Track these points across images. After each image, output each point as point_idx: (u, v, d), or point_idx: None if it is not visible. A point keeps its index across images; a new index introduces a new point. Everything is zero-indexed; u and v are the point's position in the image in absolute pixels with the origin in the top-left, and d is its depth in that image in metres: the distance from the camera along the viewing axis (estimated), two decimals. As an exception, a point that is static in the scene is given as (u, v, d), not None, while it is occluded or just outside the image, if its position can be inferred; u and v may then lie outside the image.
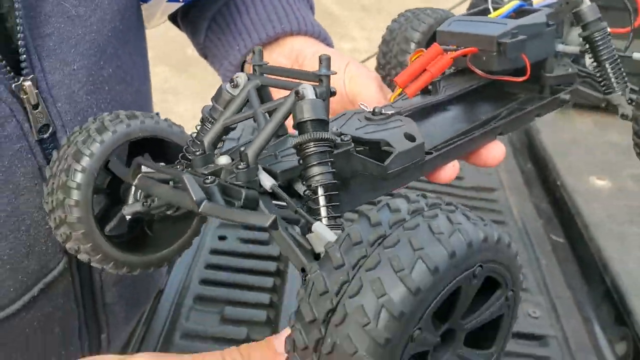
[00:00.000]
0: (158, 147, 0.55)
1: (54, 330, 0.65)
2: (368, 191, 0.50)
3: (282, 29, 0.70)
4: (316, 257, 0.39)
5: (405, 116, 0.54)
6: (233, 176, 0.43)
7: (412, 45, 0.66)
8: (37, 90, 0.55)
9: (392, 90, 0.63)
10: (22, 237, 0.58)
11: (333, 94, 0.46)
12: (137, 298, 0.81)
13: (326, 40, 0.73)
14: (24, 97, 0.55)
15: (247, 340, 1.18)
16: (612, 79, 0.62)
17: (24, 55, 0.54)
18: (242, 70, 0.74)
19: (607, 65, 0.62)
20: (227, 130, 0.48)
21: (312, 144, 0.41)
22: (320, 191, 0.41)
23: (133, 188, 0.53)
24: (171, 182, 0.47)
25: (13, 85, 0.54)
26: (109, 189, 0.55)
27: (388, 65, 0.68)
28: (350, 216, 0.50)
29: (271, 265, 1.35)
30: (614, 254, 1.56)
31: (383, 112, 0.53)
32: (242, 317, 1.22)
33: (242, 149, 0.43)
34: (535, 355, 1.23)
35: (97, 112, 0.62)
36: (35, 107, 0.56)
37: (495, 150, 0.57)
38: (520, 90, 0.63)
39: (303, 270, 0.39)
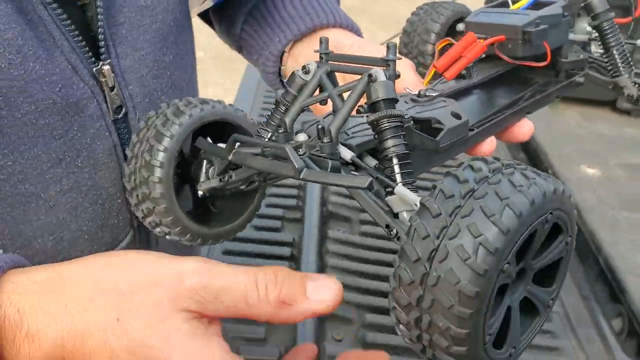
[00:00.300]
0: (219, 130, 0.60)
1: None
2: (423, 164, 0.55)
3: (319, 22, 0.75)
4: (395, 216, 0.46)
5: (447, 97, 0.59)
6: (317, 149, 0.49)
7: (432, 36, 0.72)
8: (113, 74, 0.61)
9: (423, 77, 0.68)
10: (98, 210, 0.64)
11: (398, 76, 0.51)
12: None
13: (358, 32, 0.78)
14: (103, 80, 0.60)
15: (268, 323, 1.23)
16: (619, 64, 0.68)
17: (102, 42, 0.60)
18: (280, 60, 0.79)
19: (614, 52, 0.67)
20: (302, 110, 0.53)
21: (386, 120, 0.46)
22: (395, 160, 0.46)
23: (204, 167, 0.58)
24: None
25: (94, 69, 0.59)
26: (179, 169, 0.59)
27: (410, 54, 0.74)
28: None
29: (285, 251, 1.40)
30: (606, 237, 1.65)
31: (427, 94, 0.58)
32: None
33: (319, 126, 0.49)
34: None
35: (160, 96, 0.67)
36: (112, 89, 0.61)
37: (525, 127, 0.64)
38: (537, 76, 0.69)
39: (387, 226, 0.45)
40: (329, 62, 0.54)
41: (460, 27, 0.70)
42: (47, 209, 0.59)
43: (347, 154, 0.48)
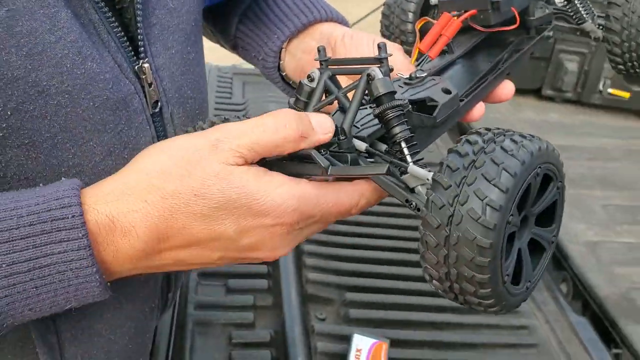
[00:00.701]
0: None
1: (149, 284, 0.73)
2: (425, 139, 0.61)
3: (313, 17, 0.80)
4: (411, 190, 0.52)
5: (435, 75, 0.65)
6: (334, 147, 0.53)
7: (410, 15, 0.76)
8: (151, 71, 0.65)
9: (410, 56, 0.73)
10: None
11: (391, 70, 0.57)
12: None
13: (345, 23, 0.83)
14: (143, 77, 0.63)
15: (254, 306, 1.30)
16: (582, 12, 0.72)
17: (141, 42, 0.63)
18: (279, 55, 0.86)
19: (576, 1, 0.72)
20: None
21: (389, 111, 0.52)
22: (404, 144, 0.52)
23: None
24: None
25: (136, 67, 0.63)
26: None
27: (392, 35, 0.79)
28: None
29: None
30: (546, 211, 1.80)
31: (417, 75, 0.62)
32: (245, 287, 1.33)
33: (340, 125, 0.54)
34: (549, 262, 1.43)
35: (187, 91, 0.72)
36: (150, 85, 0.64)
37: (507, 87, 0.70)
38: (512, 36, 0.73)
39: (407, 200, 0.51)
40: (329, 66, 0.59)
41: (433, 1, 0.75)
42: None
43: (361, 146, 0.54)
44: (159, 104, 0.66)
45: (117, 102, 0.60)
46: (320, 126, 0.54)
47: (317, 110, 0.57)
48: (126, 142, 0.62)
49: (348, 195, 0.55)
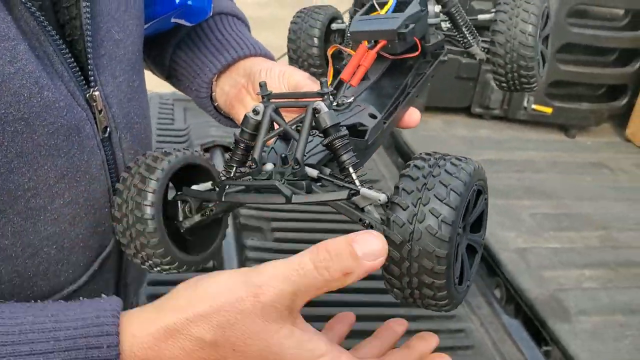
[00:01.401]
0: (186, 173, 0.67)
1: None
2: (360, 160, 0.64)
3: (243, 53, 0.85)
4: (362, 210, 0.55)
5: (357, 99, 0.68)
6: (288, 175, 0.56)
7: (315, 40, 0.82)
8: (101, 99, 0.68)
9: (317, 78, 0.78)
10: (91, 219, 0.69)
11: (332, 103, 0.63)
12: (140, 282, 0.91)
13: (271, 57, 0.89)
14: (94, 104, 0.66)
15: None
16: (469, 37, 0.78)
17: (91, 72, 0.66)
18: (211, 86, 0.88)
19: (463, 29, 0.78)
20: (264, 145, 0.61)
21: (337, 140, 0.56)
22: (352, 169, 0.56)
23: (180, 206, 0.65)
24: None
25: (87, 95, 0.66)
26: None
27: (300, 58, 0.84)
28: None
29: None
30: (478, 222, 1.90)
31: (344, 102, 0.67)
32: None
33: (282, 155, 0.57)
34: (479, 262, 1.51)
35: (134, 117, 0.75)
36: (100, 112, 0.68)
37: (414, 114, 0.75)
38: (413, 61, 0.78)
39: (360, 219, 0.55)
40: (271, 100, 0.61)
41: (335, 26, 0.82)
42: (52, 220, 0.65)
43: (313, 172, 0.58)
44: (108, 129, 0.70)
45: (70, 128, 0.64)
46: (367, 254, 0.51)
47: (266, 140, 0.59)
48: (78, 166, 0.66)
49: None
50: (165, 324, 0.51)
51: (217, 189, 0.60)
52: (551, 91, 2.66)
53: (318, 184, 0.58)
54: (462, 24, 0.76)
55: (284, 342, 0.50)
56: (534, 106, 2.64)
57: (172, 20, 0.86)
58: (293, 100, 0.63)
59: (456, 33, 0.78)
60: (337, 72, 0.74)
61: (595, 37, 2.60)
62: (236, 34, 0.89)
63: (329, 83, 0.72)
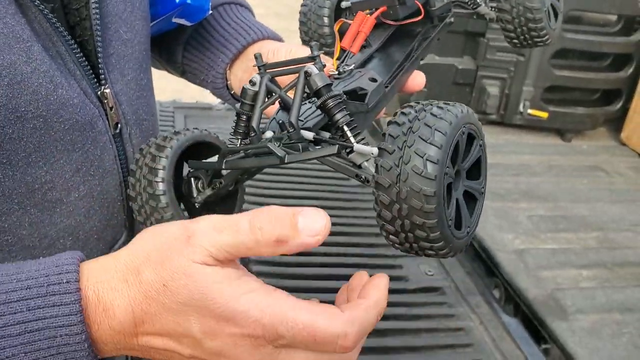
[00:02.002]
0: (194, 152, 0.68)
1: None
2: (362, 124, 0.66)
3: (251, 38, 0.87)
4: (358, 167, 0.56)
5: (359, 68, 0.69)
6: (285, 140, 0.58)
7: (325, 20, 0.83)
8: (112, 96, 0.70)
9: (329, 55, 0.79)
10: (105, 212, 0.72)
11: (324, 66, 0.63)
12: None
13: (278, 38, 0.91)
14: (105, 101, 0.69)
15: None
16: None
17: (102, 70, 0.69)
18: (225, 76, 0.90)
19: None
20: (261, 113, 0.62)
21: (330, 100, 0.57)
22: (346, 127, 0.57)
23: (193, 183, 0.67)
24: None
25: (99, 93, 0.69)
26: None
27: (312, 39, 0.85)
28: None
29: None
30: (476, 224, 1.93)
31: (345, 69, 0.67)
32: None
33: (279, 121, 0.58)
34: (437, 302, 1.54)
35: (142, 114, 0.78)
36: (111, 109, 0.70)
37: (419, 77, 0.77)
38: (419, 27, 0.78)
39: (357, 175, 0.56)
40: (267, 70, 0.62)
41: (344, 4, 0.81)
42: (68, 212, 0.67)
43: (309, 135, 0.58)
44: (119, 125, 0.72)
45: (84, 124, 0.66)
46: (307, 227, 0.50)
47: (264, 109, 0.61)
48: (92, 160, 0.68)
49: (328, 320, 0.49)
50: (118, 259, 0.53)
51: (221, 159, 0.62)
52: (547, 96, 2.69)
53: (317, 147, 0.58)
54: None
55: (210, 277, 0.49)
56: (530, 111, 2.67)
57: (174, 20, 0.89)
58: (287, 68, 0.63)
59: None
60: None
61: (589, 43, 2.63)
62: (242, 22, 0.90)
63: (335, 57, 0.73)
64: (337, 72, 0.68)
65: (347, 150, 0.58)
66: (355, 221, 1.79)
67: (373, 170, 0.54)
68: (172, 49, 0.97)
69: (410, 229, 0.54)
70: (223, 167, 0.62)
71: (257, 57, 0.62)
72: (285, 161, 0.57)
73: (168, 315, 0.50)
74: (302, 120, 0.62)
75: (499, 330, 1.50)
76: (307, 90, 0.60)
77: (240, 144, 0.63)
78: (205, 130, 0.69)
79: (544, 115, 2.68)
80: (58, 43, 0.64)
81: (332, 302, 1.48)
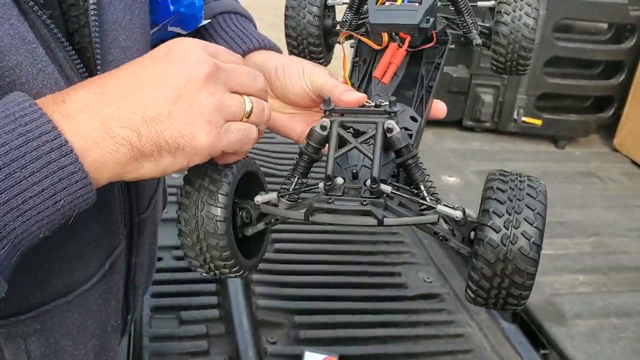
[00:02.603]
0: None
1: (112, 303, 0.77)
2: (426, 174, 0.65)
3: (247, 47, 0.85)
4: (434, 223, 0.59)
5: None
6: (364, 191, 0.59)
7: (315, 18, 0.82)
8: None
9: (320, 63, 0.80)
10: (103, 219, 0.71)
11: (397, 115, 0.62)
12: (147, 284, 0.93)
13: (278, 49, 0.89)
14: None
15: (207, 335, 1.36)
16: (469, 22, 0.80)
17: None
18: None
19: (465, 16, 0.80)
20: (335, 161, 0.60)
21: (411, 160, 0.59)
22: (423, 187, 0.60)
23: (239, 214, 0.66)
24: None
25: None
26: None
27: (299, 36, 0.85)
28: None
29: (210, 274, 1.53)
30: (473, 231, 1.94)
31: (382, 104, 0.65)
32: (198, 318, 1.40)
33: (354, 170, 0.60)
34: (436, 308, 1.55)
35: None
36: None
37: (440, 105, 0.77)
38: (424, 52, 0.78)
39: (435, 233, 0.60)
40: (333, 113, 0.62)
41: (331, 2, 0.82)
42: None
43: (387, 189, 0.59)
44: None
45: None
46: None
47: (337, 157, 0.61)
48: None
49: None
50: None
51: (282, 200, 0.64)
52: (540, 104, 2.72)
53: (390, 199, 0.60)
54: (464, 9, 0.79)
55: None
56: (523, 118, 2.69)
57: (169, 29, 0.89)
58: (361, 119, 0.63)
59: (455, 17, 0.80)
60: (352, 62, 0.76)
61: (580, 50, 2.66)
62: (240, 30, 0.89)
63: (345, 73, 0.74)
64: (373, 105, 0.68)
65: (422, 208, 0.60)
66: (355, 229, 1.80)
67: (445, 226, 0.59)
68: None
69: (505, 297, 0.58)
70: (310, 220, 0.61)
71: (326, 100, 0.62)
72: (384, 224, 0.58)
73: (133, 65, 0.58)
74: (367, 167, 0.62)
75: (498, 336, 1.51)
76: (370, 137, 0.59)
77: (297, 183, 0.64)
78: (249, 158, 0.69)
79: (537, 122, 2.70)
80: (56, 50, 0.64)
81: (333, 310, 1.48)
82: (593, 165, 2.60)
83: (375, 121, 0.60)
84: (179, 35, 0.91)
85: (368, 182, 0.59)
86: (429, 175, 0.61)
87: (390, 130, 0.59)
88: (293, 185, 0.64)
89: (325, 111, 0.62)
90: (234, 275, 0.67)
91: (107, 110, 0.54)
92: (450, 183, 2.32)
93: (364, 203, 0.58)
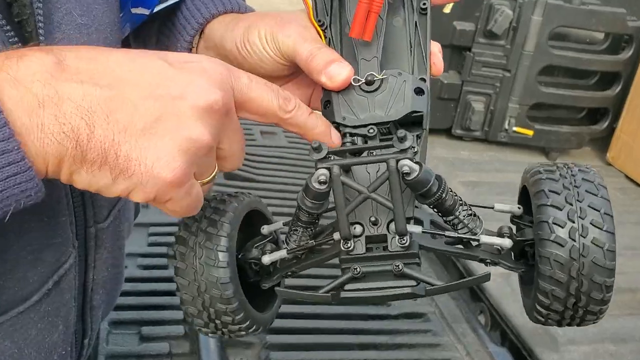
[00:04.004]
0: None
1: (59, 327, 0.68)
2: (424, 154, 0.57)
3: (223, 8, 0.71)
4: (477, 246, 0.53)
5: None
6: (392, 238, 0.50)
7: None
8: None
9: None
10: (44, 228, 0.61)
11: (415, 151, 0.52)
12: (110, 305, 0.85)
13: (243, 10, 0.74)
14: None
15: (170, 354, 1.24)
16: (471, 227, 0.57)
17: None
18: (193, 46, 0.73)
19: (458, 215, 0.57)
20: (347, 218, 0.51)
21: (446, 195, 0.50)
22: (462, 226, 0.53)
23: (247, 264, 0.58)
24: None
25: None
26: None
27: None
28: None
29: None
30: (461, 245, 1.84)
31: (375, 78, 0.54)
32: (160, 334, 1.27)
33: (372, 218, 0.51)
34: (421, 329, 1.44)
35: None
36: None
37: (437, 61, 0.61)
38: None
39: (481, 260, 0.53)
40: (329, 155, 0.50)
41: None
42: None
43: (417, 229, 0.51)
44: None
45: None
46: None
47: (348, 213, 0.50)
48: None
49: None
50: None
51: (284, 260, 0.56)
52: (532, 113, 2.63)
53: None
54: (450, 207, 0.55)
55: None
56: (515, 128, 2.60)
57: (132, 10, 0.78)
58: (365, 159, 0.51)
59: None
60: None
61: (576, 60, 2.58)
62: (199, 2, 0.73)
63: (310, 12, 0.59)
64: (364, 81, 0.55)
65: (464, 239, 0.53)
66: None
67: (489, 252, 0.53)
68: (147, 43, 0.86)
69: (584, 305, 0.51)
70: (341, 298, 0.51)
71: (317, 147, 0.49)
72: (425, 294, 0.50)
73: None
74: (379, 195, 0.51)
75: (486, 362, 1.41)
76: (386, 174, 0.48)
77: (300, 244, 0.55)
78: (252, 195, 0.61)
79: (529, 133, 2.61)
80: None
81: (308, 329, 1.37)
82: (586, 179, 2.51)
83: (385, 158, 0.48)
84: (147, 19, 0.80)
85: (392, 228, 0.50)
86: (461, 200, 0.53)
87: (407, 174, 0.47)
88: (299, 238, 0.55)
89: (316, 161, 0.50)
90: (244, 333, 0.58)
91: (69, 87, 0.44)
92: (438, 193, 2.22)
93: (397, 269, 0.50)
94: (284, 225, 0.61)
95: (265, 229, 0.60)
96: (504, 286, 1.70)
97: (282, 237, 0.61)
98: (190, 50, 0.75)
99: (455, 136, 2.69)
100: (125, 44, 0.91)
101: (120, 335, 1.27)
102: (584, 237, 0.48)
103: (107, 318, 1.28)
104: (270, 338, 1.31)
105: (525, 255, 0.55)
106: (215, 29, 0.71)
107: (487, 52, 2.50)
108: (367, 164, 0.52)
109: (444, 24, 2.42)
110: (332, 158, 0.50)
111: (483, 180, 2.33)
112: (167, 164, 0.46)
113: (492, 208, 0.58)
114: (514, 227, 0.57)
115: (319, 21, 0.60)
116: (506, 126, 2.62)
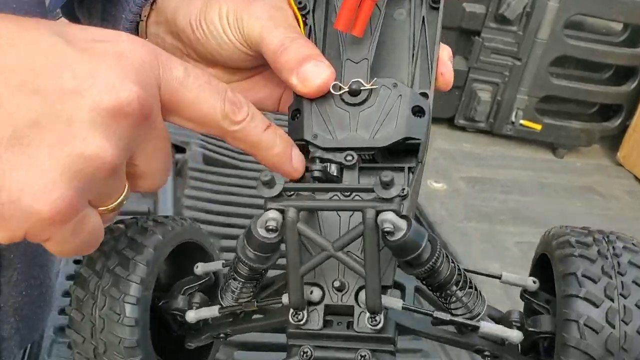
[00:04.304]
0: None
1: None
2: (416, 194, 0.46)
3: None
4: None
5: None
6: (360, 314, 0.39)
7: None
8: None
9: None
10: None
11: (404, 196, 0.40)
12: (32, 331, 0.71)
13: None
14: None
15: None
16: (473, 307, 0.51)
17: None
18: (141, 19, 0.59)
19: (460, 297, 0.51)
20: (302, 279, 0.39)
21: (432, 271, 0.39)
22: (459, 293, 0.41)
23: (169, 317, 0.48)
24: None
25: None
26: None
27: None
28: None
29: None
30: (459, 248, 1.71)
31: (362, 87, 0.43)
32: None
33: (336, 284, 0.39)
34: (410, 348, 1.30)
35: None
36: None
37: (448, 74, 0.49)
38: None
39: (478, 351, 0.42)
40: (284, 192, 0.38)
41: None
42: None
43: (398, 304, 0.39)
44: None
45: None
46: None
47: (304, 274, 0.38)
48: None
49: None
50: None
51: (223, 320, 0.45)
52: (541, 106, 2.48)
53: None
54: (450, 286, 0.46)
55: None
56: (522, 121, 2.45)
57: None
58: (333, 204, 0.40)
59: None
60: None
61: (591, 51, 2.42)
62: None
63: (302, 31, 0.47)
64: (347, 89, 0.43)
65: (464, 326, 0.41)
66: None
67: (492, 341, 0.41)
68: (92, 13, 0.72)
69: None
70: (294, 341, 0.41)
71: (266, 180, 0.37)
72: None
73: None
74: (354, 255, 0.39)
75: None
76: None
77: (239, 301, 0.43)
78: (186, 221, 0.49)
79: (537, 127, 2.46)
80: None
81: (283, 345, 1.24)
82: (594, 180, 2.37)
83: (362, 206, 0.36)
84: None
85: (363, 298, 0.38)
86: (459, 269, 0.41)
87: (390, 233, 0.35)
88: (237, 295, 0.43)
89: (266, 200, 0.38)
90: None
91: None
92: (436, 189, 2.08)
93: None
94: (223, 266, 0.47)
95: (200, 269, 0.48)
96: (503, 299, 1.57)
97: (222, 280, 0.47)
98: (137, 25, 0.59)
99: (457, 126, 2.54)
100: (73, 17, 0.75)
101: (65, 345, 1.11)
102: (626, 352, 0.37)
103: (52, 323, 1.14)
104: (238, 355, 1.18)
105: (536, 348, 0.43)
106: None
107: (498, 37, 2.34)
108: (336, 210, 0.40)
109: (453, 4, 2.25)
110: (289, 195, 0.38)
111: (486, 177, 2.19)
112: (43, 191, 0.32)
113: (499, 278, 0.46)
114: (524, 304, 0.47)
115: (299, 3, 0.47)
116: (513, 118, 2.46)
